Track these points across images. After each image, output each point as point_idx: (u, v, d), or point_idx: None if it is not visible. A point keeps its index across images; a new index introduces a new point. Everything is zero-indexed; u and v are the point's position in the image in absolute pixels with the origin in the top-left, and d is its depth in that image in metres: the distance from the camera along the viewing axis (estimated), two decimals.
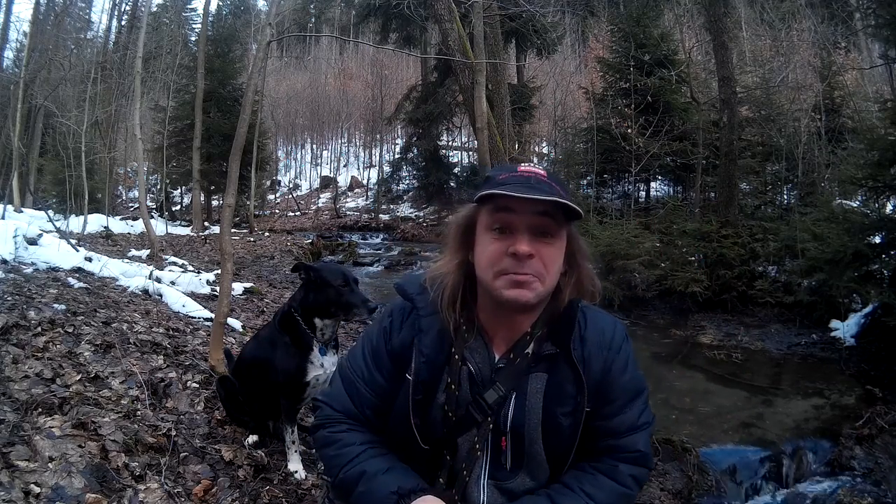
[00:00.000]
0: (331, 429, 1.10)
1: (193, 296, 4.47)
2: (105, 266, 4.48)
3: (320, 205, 20.93)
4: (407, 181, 18.01)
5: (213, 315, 3.35)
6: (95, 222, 11.00)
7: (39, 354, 2.38)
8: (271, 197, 22.23)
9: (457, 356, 1.05)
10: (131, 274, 4.54)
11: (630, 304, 6.16)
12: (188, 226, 13.14)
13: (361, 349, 1.15)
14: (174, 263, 6.49)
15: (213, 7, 21.96)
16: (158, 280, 4.44)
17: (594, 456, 1.07)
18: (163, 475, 1.90)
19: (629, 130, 9.50)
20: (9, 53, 17.30)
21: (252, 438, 2.32)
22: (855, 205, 5.25)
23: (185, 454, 2.09)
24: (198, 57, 13.31)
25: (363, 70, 27.10)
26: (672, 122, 9.32)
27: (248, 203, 13.91)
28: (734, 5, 12.90)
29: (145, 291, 4.12)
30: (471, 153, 18.29)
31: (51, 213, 10.43)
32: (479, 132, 5.09)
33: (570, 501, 1.00)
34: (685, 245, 6.44)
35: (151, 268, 5.03)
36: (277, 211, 20.08)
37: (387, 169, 19.03)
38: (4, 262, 3.79)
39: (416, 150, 16.90)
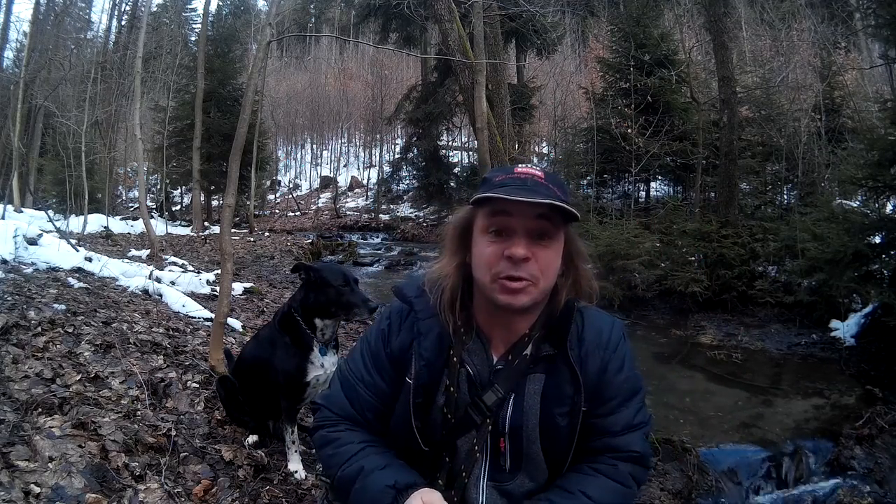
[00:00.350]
0: (329, 429, 1.11)
1: (193, 296, 4.47)
2: (105, 266, 4.48)
3: (320, 205, 20.93)
4: (407, 181, 18.00)
5: (213, 315, 3.35)
6: (95, 222, 11.00)
7: (39, 354, 2.38)
8: (271, 197, 22.23)
9: (455, 359, 1.05)
10: (131, 274, 4.54)
11: (630, 304, 6.16)
12: (188, 226, 13.14)
13: (360, 352, 1.15)
14: (174, 263, 6.49)
15: (213, 7, 21.93)
16: (158, 280, 4.44)
17: (592, 455, 1.07)
18: (163, 475, 1.90)
19: (629, 130, 9.50)
20: (9, 53, 17.33)
21: (252, 438, 2.32)
22: (855, 205, 5.25)
23: (185, 454, 2.09)
24: (198, 57, 13.30)
25: (363, 70, 27.11)
26: (672, 122, 9.33)
27: (248, 203, 13.91)
28: (734, 5, 12.89)
29: (145, 291, 4.12)
30: (471, 153, 18.29)
31: (51, 213, 10.43)
32: (479, 132, 5.09)
33: (570, 503, 1.00)
34: (685, 245, 6.44)
35: (151, 268, 5.03)
36: (277, 211, 20.08)
37: (387, 169, 19.03)
38: (4, 262, 3.79)
39: (416, 150, 16.88)
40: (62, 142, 12.09)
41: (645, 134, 9.13)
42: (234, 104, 13.96)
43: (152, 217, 10.40)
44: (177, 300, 4.04)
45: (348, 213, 19.39)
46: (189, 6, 30.59)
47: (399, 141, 21.38)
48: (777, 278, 5.94)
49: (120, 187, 20.80)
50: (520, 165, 1.03)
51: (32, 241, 4.30)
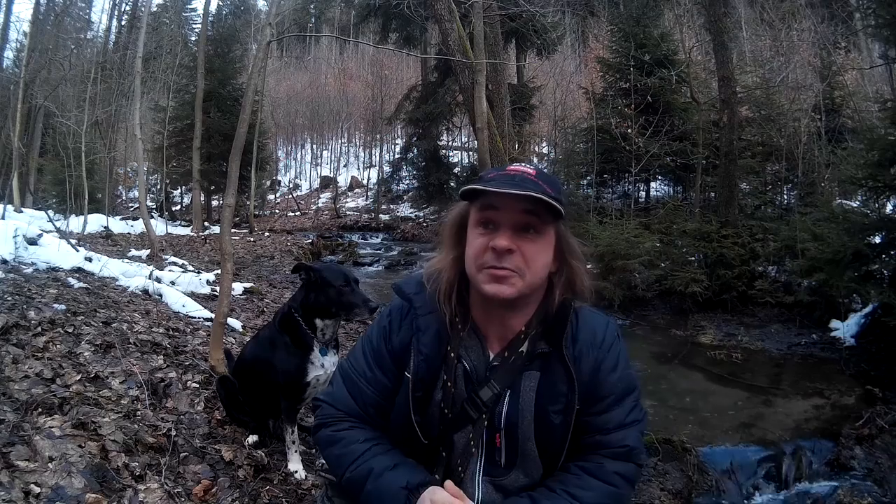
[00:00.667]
0: (333, 427, 1.11)
1: (193, 296, 4.47)
2: (105, 266, 4.48)
3: (320, 205, 20.93)
4: (407, 181, 18.01)
5: (213, 315, 3.35)
6: (95, 222, 11.00)
7: (39, 354, 2.38)
8: (271, 197, 22.23)
9: (453, 354, 1.06)
10: (131, 274, 4.54)
11: (630, 304, 6.16)
12: (188, 226, 13.14)
13: (362, 349, 1.16)
14: (174, 263, 6.48)
15: (213, 7, 21.99)
16: (158, 280, 4.44)
17: (582, 453, 1.07)
18: (163, 475, 1.90)
19: (629, 130, 9.50)
20: (9, 53, 17.35)
21: (252, 438, 2.32)
22: (855, 205, 5.26)
23: (185, 454, 2.08)
24: (198, 57, 13.31)
25: (363, 70, 27.08)
26: (672, 122, 9.32)
27: (248, 203, 13.91)
28: (734, 5, 12.91)
29: (145, 291, 4.12)
30: (471, 153, 18.29)
31: (51, 213, 10.44)
32: (479, 132, 5.09)
33: (553, 503, 1.00)
34: (685, 245, 6.44)
35: (151, 268, 5.03)
36: (277, 211, 20.08)
37: (387, 169, 19.03)
38: (4, 262, 3.78)
39: (416, 150, 16.89)
40: (62, 142, 12.09)
41: (645, 134, 9.13)
42: (234, 104, 13.96)
43: (152, 217, 10.40)
44: (177, 300, 4.04)
45: (348, 213, 19.39)
46: (189, 6, 30.65)
47: (399, 141, 21.38)
48: (777, 278, 5.94)
49: (120, 187, 20.80)
50: (515, 164, 1.05)
51: (32, 241, 4.30)
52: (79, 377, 2.30)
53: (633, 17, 10.53)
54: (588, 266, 1.09)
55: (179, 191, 18.20)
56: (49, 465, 1.71)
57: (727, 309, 5.86)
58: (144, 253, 7.12)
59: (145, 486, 1.82)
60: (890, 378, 3.88)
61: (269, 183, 22.08)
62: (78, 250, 4.77)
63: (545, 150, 17.05)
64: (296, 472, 2.18)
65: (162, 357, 2.80)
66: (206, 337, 3.26)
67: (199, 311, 3.95)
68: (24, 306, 2.81)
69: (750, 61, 11.93)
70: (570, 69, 19.30)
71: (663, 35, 10.10)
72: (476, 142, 5.80)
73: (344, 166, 26.00)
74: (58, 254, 4.32)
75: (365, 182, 23.58)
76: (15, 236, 4.10)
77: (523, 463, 1.06)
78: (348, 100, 26.49)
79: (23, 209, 10.57)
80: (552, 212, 0.97)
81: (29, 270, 3.78)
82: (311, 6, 37.71)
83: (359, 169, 25.93)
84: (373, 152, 24.42)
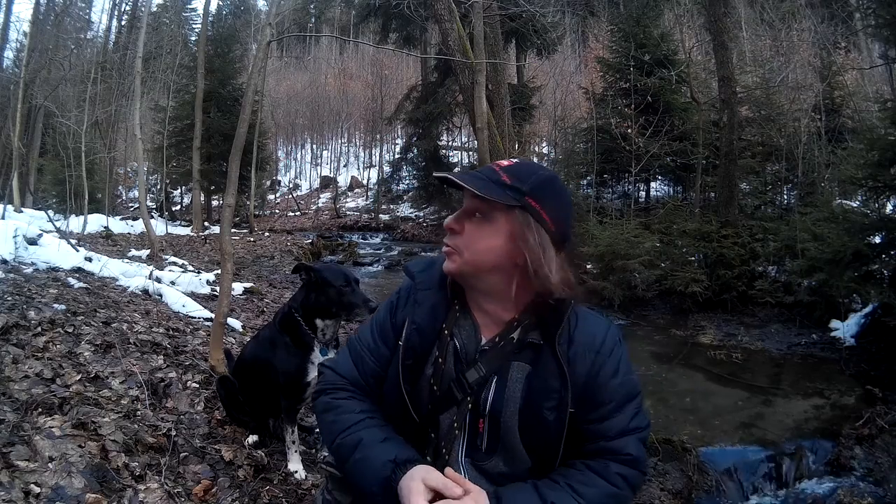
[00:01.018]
0: (332, 395, 1.15)
1: (193, 296, 4.47)
2: (105, 266, 4.48)
3: (320, 205, 20.93)
4: (407, 181, 18.02)
5: (213, 315, 3.35)
6: (95, 222, 11.01)
7: (39, 354, 2.38)
8: (271, 197, 22.24)
9: (447, 331, 1.10)
10: (131, 274, 4.54)
11: (630, 304, 6.16)
12: (188, 226, 13.14)
13: (370, 324, 1.22)
14: (174, 263, 6.48)
15: (213, 7, 21.99)
16: (158, 280, 4.44)
17: (585, 457, 1.08)
18: (163, 475, 1.90)
19: (629, 130, 9.51)
20: (9, 53, 17.36)
21: (252, 438, 2.32)
22: (855, 205, 5.25)
23: (185, 454, 2.08)
24: (198, 57, 13.31)
25: (363, 70, 27.10)
26: (672, 122, 9.33)
27: (248, 203, 13.91)
28: (734, 5, 12.89)
29: (145, 291, 4.12)
30: (471, 153, 18.29)
31: (51, 213, 10.45)
32: (479, 132, 5.08)
33: (555, 494, 1.00)
34: (685, 245, 6.44)
35: (151, 268, 5.03)
36: (277, 211, 20.10)
37: (387, 169, 19.04)
38: (4, 262, 3.78)
39: (416, 150, 16.89)
40: (62, 142, 12.09)
41: (645, 134, 9.13)
42: (234, 104, 13.96)
43: (152, 217, 10.41)
44: (177, 300, 4.04)
45: (348, 213, 19.40)
46: (189, 6, 30.64)
47: (399, 141, 21.39)
48: (777, 278, 5.94)
49: (120, 187, 20.82)
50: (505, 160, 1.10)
51: (32, 241, 4.30)
52: (79, 377, 2.30)
53: (633, 17, 10.54)
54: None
55: (179, 191, 18.21)
56: (49, 465, 1.71)
57: (727, 309, 5.86)
58: (144, 253, 7.12)
59: (145, 486, 1.82)
60: (890, 378, 3.88)
61: (269, 183, 22.09)
62: (78, 250, 4.77)
63: (545, 150, 17.07)
64: (296, 472, 2.18)
65: (162, 357, 2.80)
66: (206, 337, 3.26)
67: (199, 311, 3.95)
68: (24, 306, 2.81)
69: (750, 61, 11.93)
70: (570, 69, 19.32)
71: (663, 35, 10.11)
72: (476, 142, 5.80)
73: (344, 166, 26.01)
74: (58, 254, 4.32)
75: (365, 182, 23.59)
76: (15, 236, 4.10)
77: (503, 452, 1.07)
78: (348, 100, 26.49)
79: (23, 209, 10.57)
80: (505, 201, 1.01)
81: (29, 270, 3.78)
82: (311, 6, 37.71)
83: (359, 169, 25.93)
84: (373, 152, 24.43)
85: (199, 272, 5.80)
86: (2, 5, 16.12)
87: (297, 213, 19.61)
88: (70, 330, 2.70)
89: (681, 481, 2.74)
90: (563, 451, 1.05)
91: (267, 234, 12.79)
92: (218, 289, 4.04)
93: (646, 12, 10.47)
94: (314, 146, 27.86)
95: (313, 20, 37.43)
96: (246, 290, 5.36)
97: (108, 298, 3.59)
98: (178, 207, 17.59)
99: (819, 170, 7.74)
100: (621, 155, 9.36)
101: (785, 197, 8.38)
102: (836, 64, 9.55)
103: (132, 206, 18.65)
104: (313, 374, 2.14)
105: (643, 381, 3.87)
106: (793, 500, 2.80)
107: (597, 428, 1.06)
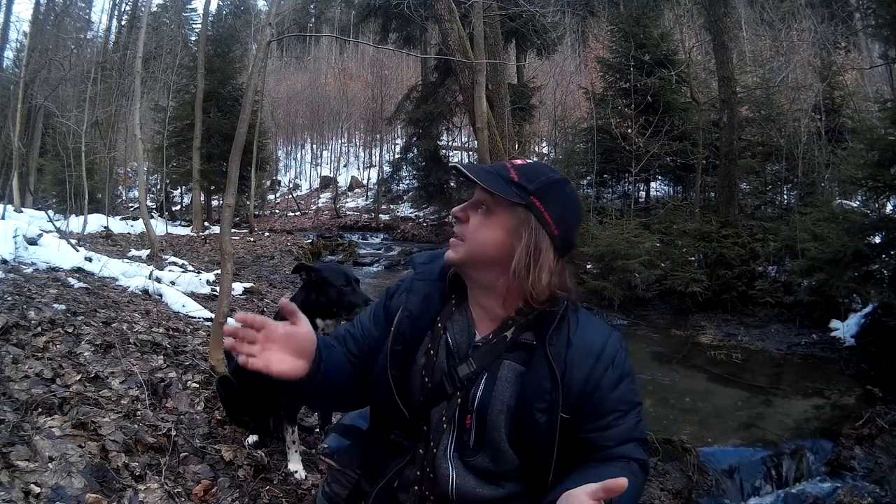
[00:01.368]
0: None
1: (193, 296, 4.47)
2: (105, 266, 4.48)
3: (320, 205, 20.93)
4: (407, 181, 17.99)
5: (213, 315, 3.35)
6: (95, 222, 11.00)
7: (39, 354, 2.38)
8: (271, 197, 22.22)
9: (440, 324, 1.11)
10: (131, 274, 4.54)
11: (630, 304, 6.16)
12: (188, 226, 13.14)
13: (368, 309, 1.27)
14: (174, 263, 6.48)
15: (213, 7, 22.00)
16: (158, 280, 4.44)
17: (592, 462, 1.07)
18: (163, 475, 1.90)
19: (629, 130, 9.50)
20: (9, 53, 17.36)
21: (252, 438, 2.32)
22: (855, 205, 5.26)
23: (185, 454, 2.08)
24: (198, 57, 13.30)
25: (363, 70, 27.08)
26: (672, 122, 9.32)
27: (248, 203, 13.91)
28: (734, 5, 12.90)
29: (145, 291, 4.12)
30: (471, 153, 18.29)
31: (51, 213, 10.44)
32: (479, 132, 5.09)
33: (606, 471, 0.98)
34: (685, 245, 6.44)
35: (151, 268, 5.03)
36: (277, 211, 20.08)
37: (387, 169, 19.02)
38: (4, 262, 3.79)
39: (416, 150, 16.87)
40: (62, 142, 12.09)
41: (645, 134, 9.13)
42: (234, 104, 13.95)
43: (152, 217, 10.40)
44: (177, 300, 4.04)
45: (348, 213, 19.38)
46: (189, 6, 30.64)
47: (399, 141, 21.36)
48: (777, 278, 5.94)
49: (120, 187, 20.81)
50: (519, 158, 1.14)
51: (32, 241, 4.30)
52: (79, 377, 2.30)
53: (633, 17, 10.54)
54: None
55: (179, 191, 18.19)
56: (49, 465, 1.71)
57: (727, 309, 5.86)
58: (144, 253, 7.12)
59: (145, 486, 1.82)
60: (890, 378, 3.89)
61: (269, 183, 22.07)
62: (78, 250, 4.77)
63: (545, 150, 17.07)
64: (296, 472, 2.18)
65: (162, 357, 2.80)
66: (206, 337, 3.26)
67: (199, 311, 3.95)
68: (24, 306, 2.81)
69: (750, 61, 11.94)
70: (570, 69, 19.32)
71: (663, 35, 10.11)
72: (476, 142, 5.80)
73: (344, 166, 26.00)
74: (58, 254, 4.33)
75: (365, 182, 23.57)
76: (15, 236, 4.10)
77: (489, 450, 1.07)
78: (348, 100, 26.48)
79: (23, 209, 10.57)
80: (508, 196, 1.03)
81: (29, 270, 3.78)
82: (311, 6, 37.70)
83: (359, 169, 25.91)
84: (373, 152, 24.41)
85: (199, 272, 5.80)
86: (2, 5, 16.13)
87: (297, 213, 19.60)
88: (70, 330, 2.70)
89: (681, 481, 2.74)
90: (558, 456, 1.03)
91: (267, 234, 12.79)
92: (218, 289, 4.04)
93: (646, 12, 10.46)
94: (314, 146, 27.84)
95: (313, 20, 37.42)
96: (246, 290, 5.36)
97: (108, 298, 3.59)
98: (178, 207, 17.58)
99: (819, 170, 7.74)
100: (621, 155, 9.36)
101: (785, 197, 8.38)
102: (836, 64, 9.55)
103: (132, 206, 18.64)
104: None
105: (643, 382, 3.89)
106: (793, 500, 2.80)
107: (599, 437, 1.05)
